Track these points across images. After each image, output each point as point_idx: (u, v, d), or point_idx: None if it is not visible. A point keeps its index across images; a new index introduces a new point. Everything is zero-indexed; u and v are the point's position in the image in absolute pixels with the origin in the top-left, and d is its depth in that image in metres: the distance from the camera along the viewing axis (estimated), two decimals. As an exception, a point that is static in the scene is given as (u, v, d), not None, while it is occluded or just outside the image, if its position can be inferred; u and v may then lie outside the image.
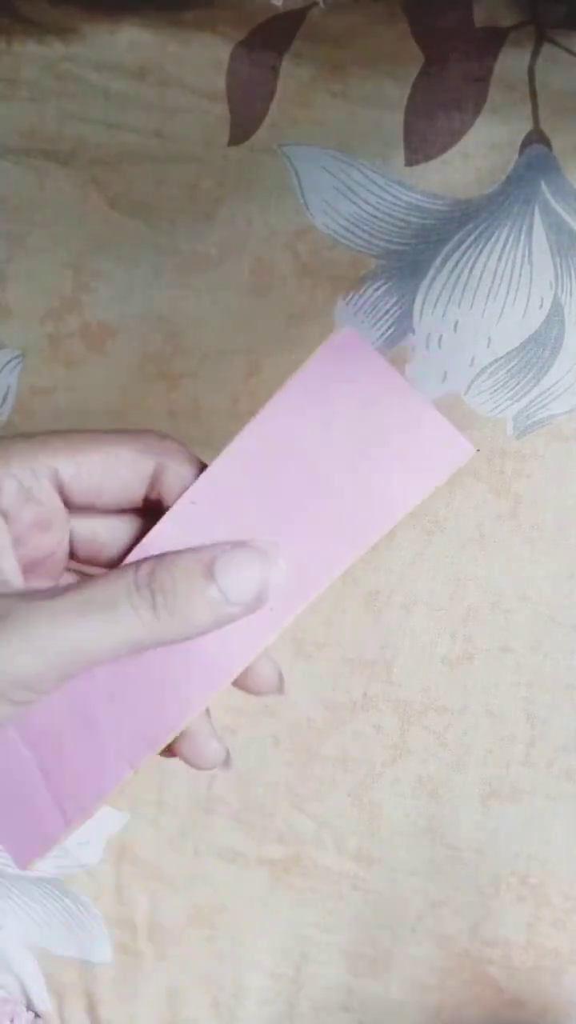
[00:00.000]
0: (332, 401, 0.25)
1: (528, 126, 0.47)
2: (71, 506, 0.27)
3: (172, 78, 0.51)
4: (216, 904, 0.50)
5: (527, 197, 0.47)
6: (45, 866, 0.52)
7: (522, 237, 0.47)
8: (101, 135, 0.52)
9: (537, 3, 0.46)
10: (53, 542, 0.27)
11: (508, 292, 0.47)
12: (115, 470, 0.26)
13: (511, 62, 0.47)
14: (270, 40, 0.49)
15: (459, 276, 0.47)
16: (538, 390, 0.47)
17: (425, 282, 0.48)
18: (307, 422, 0.25)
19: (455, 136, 0.48)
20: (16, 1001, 0.53)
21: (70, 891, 0.52)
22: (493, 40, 0.47)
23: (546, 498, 0.47)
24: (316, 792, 0.49)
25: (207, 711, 0.28)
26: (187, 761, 0.28)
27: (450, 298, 0.47)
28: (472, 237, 0.47)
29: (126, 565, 0.25)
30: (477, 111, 0.47)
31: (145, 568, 0.24)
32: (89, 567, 0.30)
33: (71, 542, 0.28)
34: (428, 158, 0.48)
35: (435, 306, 0.48)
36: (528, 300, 0.47)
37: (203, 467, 0.27)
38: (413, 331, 0.48)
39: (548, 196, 0.46)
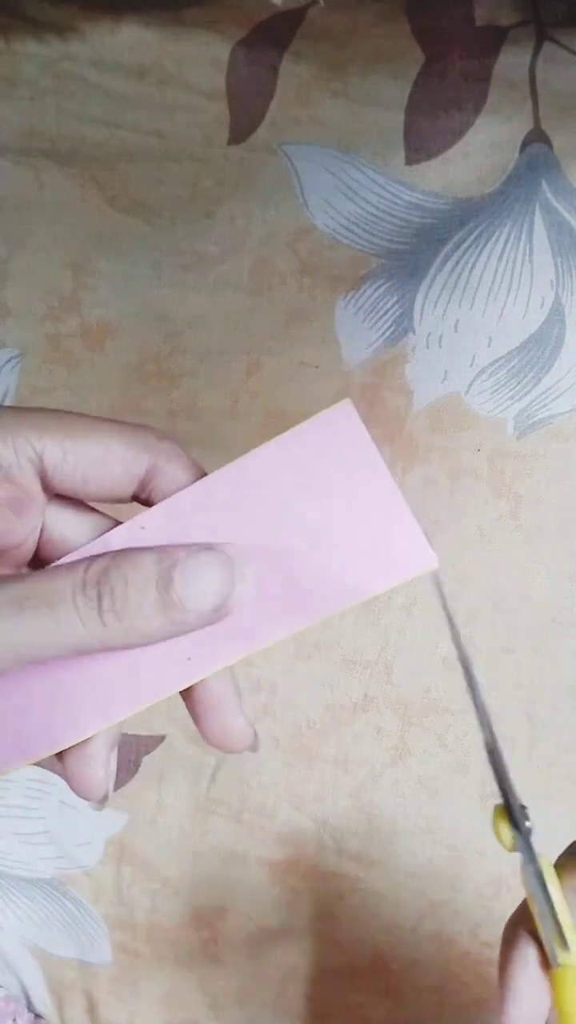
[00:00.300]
0: (315, 470, 0.24)
1: (529, 125, 0.47)
2: (48, 492, 0.25)
3: (172, 77, 0.51)
4: (216, 905, 0.50)
5: (528, 196, 0.47)
6: (45, 867, 0.52)
7: (523, 236, 0.47)
8: (100, 134, 0.51)
9: (537, 2, 0.46)
10: (24, 530, 0.25)
11: (509, 291, 0.47)
12: (105, 463, 0.24)
13: (512, 61, 0.47)
14: (270, 39, 0.49)
15: (460, 275, 0.47)
16: (539, 390, 0.47)
17: (425, 281, 0.48)
18: (285, 482, 0.24)
19: (455, 135, 0.47)
20: (17, 1001, 0.53)
21: (70, 892, 0.52)
22: (494, 39, 0.47)
23: (547, 498, 0.47)
24: (316, 793, 0.49)
25: (234, 678, 0.26)
26: (209, 740, 0.25)
27: (450, 297, 0.47)
28: (473, 236, 0.47)
29: (77, 561, 0.23)
30: (478, 110, 0.47)
31: (98, 566, 0.22)
32: None
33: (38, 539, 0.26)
34: (429, 157, 0.48)
35: (435, 305, 0.48)
36: (529, 299, 0.46)
37: (201, 474, 0.25)
38: (413, 330, 0.48)
39: (549, 195, 0.46)
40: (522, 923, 0.25)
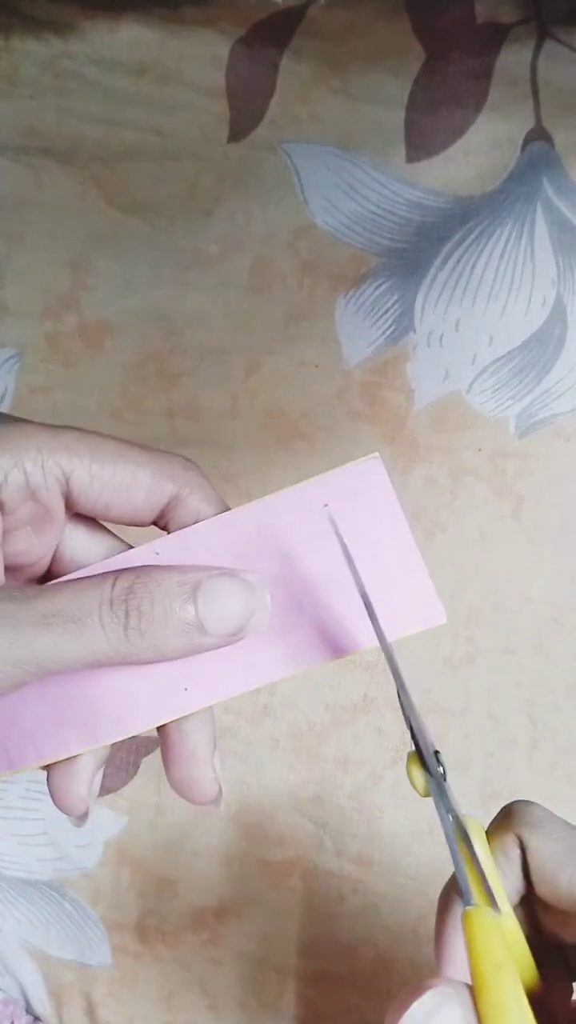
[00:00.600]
0: (337, 518, 0.24)
1: (530, 123, 0.47)
2: (69, 511, 0.25)
3: (171, 75, 0.50)
4: (215, 907, 0.50)
5: (529, 194, 0.46)
6: (44, 869, 0.52)
7: (524, 234, 0.46)
8: (100, 132, 0.51)
9: (539, 0, 0.46)
10: (42, 548, 0.25)
11: (510, 290, 0.46)
12: (130, 490, 0.24)
13: (513, 58, 0.47)
14: (270, 37, 0.49)
15: (461, 274, 0.47)
16: (540, 389, 0.46)
17: (426, 280, 0.47)
18: (306, 526, 0.24)
19: (456, 133, 0.47)
20: (16, 1003, 0.53)
21: (69, 894, 0.52)
22: (495, 36, 0.47)
23: (549, 498, 0.46)
24: (316, 794, 0.48)
25: (214, 728, 0.26)
26: (174, 787, 0.25)
27: (451, 296, 0.47)
28: (474, 235, 0.47)
29: (102, 575, 0.23)
30: (479, 108, 0.47)
31: (123, 582, 0.22)
32: None
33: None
34: (429, 155, 0.48)
35: (436, 304, 0.47)
36: (530, 298, 0.46)
37: (224, 508, 0.25)
38: (414, 329, 0.48)
39: (550, 193, 0.46)
40: (454, 889, 0.25)
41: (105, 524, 0.27)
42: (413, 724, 0.23)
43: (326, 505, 0.24)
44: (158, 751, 0.52)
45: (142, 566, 0.23)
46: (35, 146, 0.52)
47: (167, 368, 0.51)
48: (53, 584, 0.23)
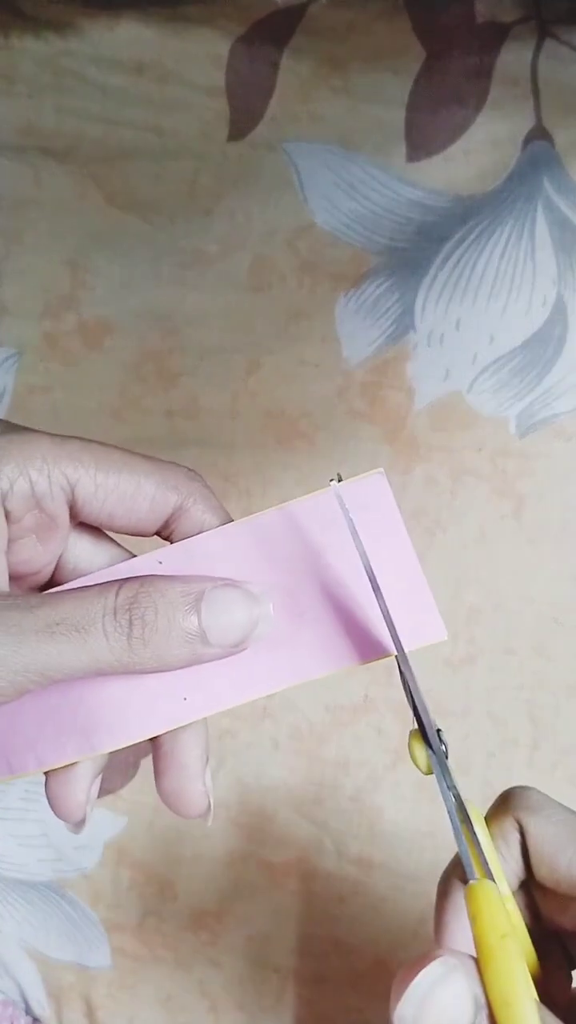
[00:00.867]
0: (341, 532, 0.24)
1: (530, 122, 0.47)
2: (73, 520, 0.25)
3: (171, 73, 0.50)
4: (215, 908, 0.50)
5: (530, 193, 0.46)
6: (43, 870, 0.52)
7: (524, 234, 0.46)
8: (99, 131, 0.51)
9: (539, -2, 0.46)
10: (46, 557, 0.25)
11: (511, 289, 0.46)
12: (135, 500, 0.24)
13: (513, 58, 0.46)
14: (270, 35, 0.49)
15: (461, 273, 0.47)
16: (541, 388, 0.46)
17: (427, 279, 0.47)
18: (310, 539, 0.25)
19: (457, 132, 0.47)
20: (16, 1005, 0.53)
21: (68, 895, 0.52)
22: (495, 36, 0.47)
23: (549, 498, 0.46)
24: (316, 795, 0.48)
25: (207, 741, 0.26)
26: (163, 798, 0.25)
27: (452, 295, 0.47)
28: (474, 234, 0.47)
29: (107, 584, 0.23)
30: (479, 107, 0.47)
31: (127, 591, 0.22)
32: None
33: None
34: (430, 154, 0.47)
35: (437, 303, 0.47)
36: (531, 297, 0.46)
37: (227, 519, 0.25)
38: (414, 328, 0.48)
39: (551, 192, 0.46)
40: (454, 873, 0.25)
41: (108, 534, 0.27)
42: (416, 702, 0.23)
43: (332, 480, 0.24)
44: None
45: (146, 575, 0.23)
46: (34, 145, 0.52)
47: (167, 368, 0.51)
48: (57, 592, 0.23)
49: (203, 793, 0.25)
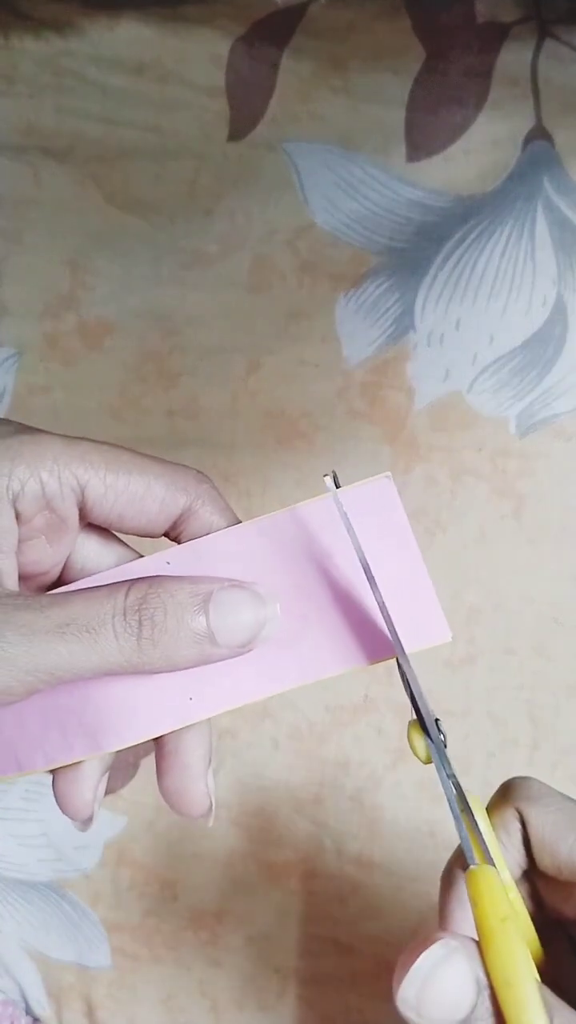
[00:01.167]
0: (347, 536, 0.25)
1: (531, 122, 0.47)
2: (82, 521, 0.25)
3: (171, 73, 0.50)
4: (215, 908, 0.50)
5: (530, 193, 0.46)
6: (43, 870, 0.52)
7: (524, 234, 0.46)
8: (99, 131, 0.51)
9: (540, -2, 0.46)
10: (55, 558, 0.25)
11: (511, 289, 0.46)
12: (144, 501, 0.24)
13: (513, 57, 0.46)
14: (270, 35, 0.49)
15: (461, 273, 0.47)
16: (541, 388, 0.46)
17: (427, 279, 0.47)
18: (316, 541, 0.25)
19: (457, 132, 0.47)
20: (16, 1005, 0.53)
21: (68, 895, 0.52)
22: (495, 35, 0.47)
23: (550, 498, 0.46)
24: (316, 795, 0.48)
25: (211, 741, 0.26)
26: (165, 797, 0.25)
27: (452, 295, 0.47)
28: (474, 234, 0.47)
29: (116, 584, 0.23)
30: (479, 107, 0.47)
31: (136, 592, 0.22)
32: None
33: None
34: (430, 154, 0.47)
35: (437, 303, 0.47)
36: (531, 297, 0.46)
37: (235, 521, 0.26)
38: (414, 328, 0.48)
39: (551, 192, 0.46)
40: (457, 863, 0.25)
41: (116, 534, 0.27)
42: (414, 692, 0.24)
43: (325, 476, 0.24)
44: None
45: (154, 576, 0.23)
46: (34, 145, 0.52)
47: (167, 367, 0.51)
48: (66, 592, 0.23)
49: (205, 793, 0.25)
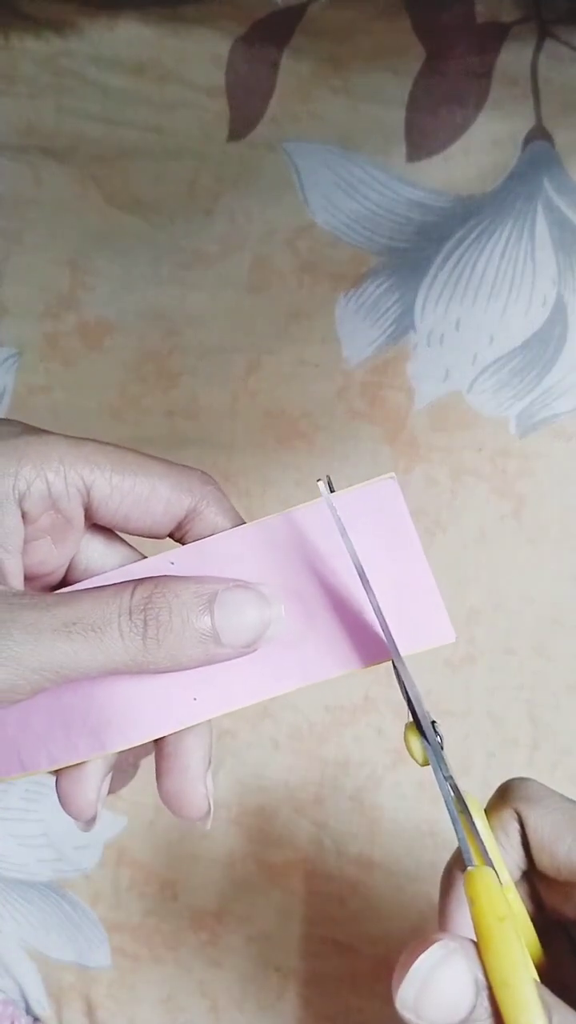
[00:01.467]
0: (352, 535, 0.25)
1: (531, 122, 0.47)
2: (87, 522, 0.25)
3: (171, 73, 0.50)
4: (215, 908, 0.50)
5: (530, 193, 0.46)
6: (43, 870, 0.52)
7: (525, 234, 0.46)
8: (99, 131, 0.51)
9: (540, -2, 0.46)
10: (60, 558, 0.26)
11: (511, 289, 0.46)
12: (149, 502, 0.24)
13: (513, 58, 0.47)
14: (270, 35, 0.49)
15: (461, 273, 0.47)
16: (541, 388, 0.46)
17: (427, 279, 0.47)
18: (321, 542, 0.25)
19: (457, 131, 0.47)
20: (16, 1004, 0.53)
21: (68, 895, 0.52)
22: (495, 35, 0.47)
23: (550, 498, 0.46)
24: (316, 795, 0.48)
25: (211, 744, 0.26)
26: (163, 799, 0.25)
27: (452, 295, 0.47)
28: (474, 234, 0.47)
29: (122, 584, 0.23)
30: (479, 107, 0.47)
31: (142, 592, 0.23)
32: None
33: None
34: (430, 154, 0.47)
35: (437, 303, 0.47)
36: (531, 297, 0.46)
37: (240, 522, 0.26)
38: (414, 328, 0.48)
39: (551, 192, 0.46)
40: (456, 865, 0.25)
41: (121, 535, 0.27)
42: (410, 694, 0.24)
43: (319, 480, 0.24)
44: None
45: (160, 576, 0.23)
46: (34, 145, 0.52)
47: (167, 367, 0.51)
48: (72, 592, 0.23)
49: (204, 796, 0.25)
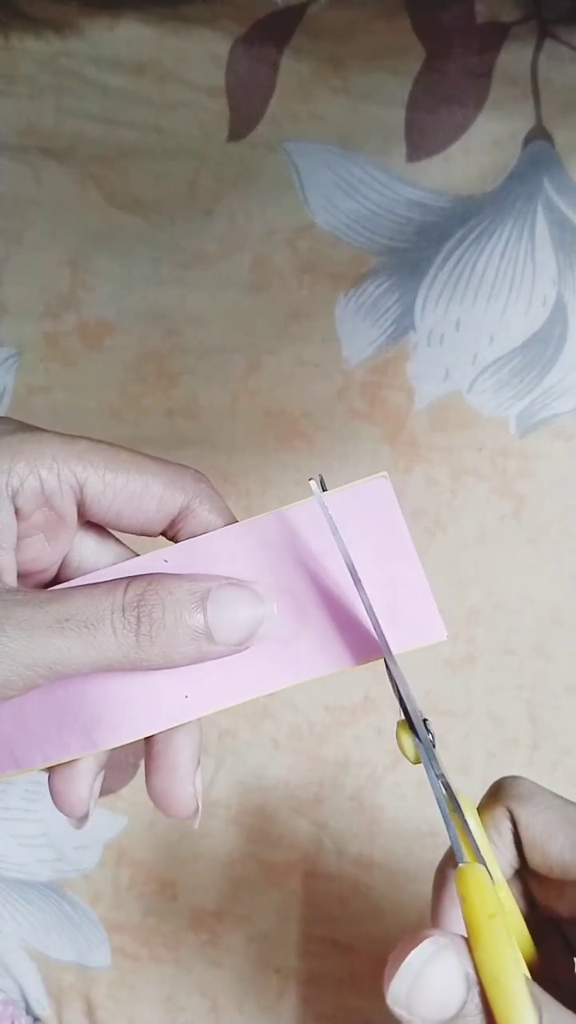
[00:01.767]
0: (344, 534, 0.25)
1: (531, 122, 0.47)
2: (80, 519, 0.25)
3: (171, 73, 0.50)
4: (215, 908, 0.50)
5: (530, 193, 0.46)
6: (43, 870, 0.52)
7: (524, 234, 0.46)
8: (99, 131, 0.51)
9: (540, -2, 0.46)
10: (53, 556, 0.26)
11: (511, 289, 0.46)
12: (142, 500, 0.24)
13: (513, 58, 0.47)
14: (270, 35, 0.49)
15: (461, 273, 0.47)
16: (541, 388, 0.46)
17: (427, 279, 0.47)
18: (313, 540, 0.25)
19: (457, 132, 0.47)
20: (16, 1004, 0.53)
21: (68, 895, 0.52)
22: (495, 35, 0.47)
23: (550, 498, 0.46)
24: (316, 795, 0.48)
25: (200, 743, 0.26)
26: (152, 797, 0.25)
27: (452, 295, 0.47)
28: (474, 234, 0.47)
29: (115, 581, 0.23)
30: (479, 106, 0.47)
31: (135, 589, 0.23)
32: None
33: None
34: (430, 154, 0.47)
35: (437, 303, 0.47)
36: (531, 297, 0.46)
37: (233, 520, 0.26)
38: (414, 328, 0.48)
39: (551, 192, 0.46)
40: (448, 864, 0.25)
41: (113, 533, 0.27)
42: (402, 692, 0.24)
43: (311, 479, 0.25)
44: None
45: (153, 573, 0.23)
46: (34, 144, 0.52)
47: (167, 367, 0.51)
48: (65, 588, 0.23)
49: (192, 795, 0.25)
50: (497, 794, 0.26)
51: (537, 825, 0.25)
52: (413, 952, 0.19)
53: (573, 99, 0.46)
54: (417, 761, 0.24)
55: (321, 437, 0.49)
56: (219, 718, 0.47)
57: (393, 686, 0.24)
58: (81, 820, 0.26)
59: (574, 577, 0.46)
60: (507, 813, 0.25)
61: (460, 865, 0.21)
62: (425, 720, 0.24)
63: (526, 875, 0.26)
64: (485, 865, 0.21)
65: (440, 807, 0.23)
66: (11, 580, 0.24)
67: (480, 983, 0.19)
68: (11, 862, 0.52)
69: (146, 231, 0.51)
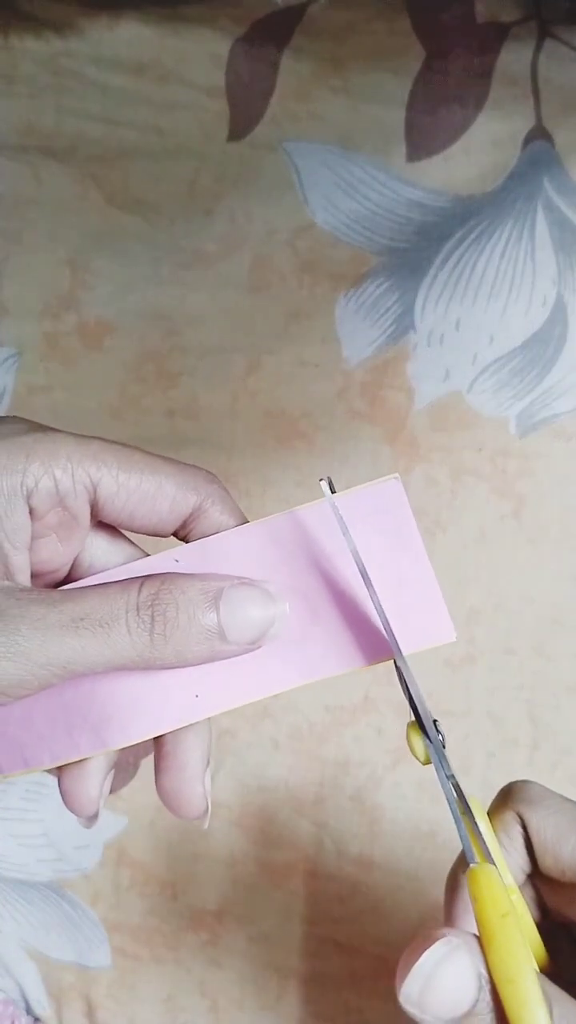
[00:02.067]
0: (355, 535, 0.24)
1: (531, 122, 0.47)
2: (92, 519, 0.25)
3: (171, 73, 0.50)
4: (215, 908, 0.50)
5: (530, 193, 0.46)
6: (43, 870, 0.52)
7: (524, 234, 0.46)
8: (99, 131, 0.51)
9: (540, -2, 0.46)
10: (65, 556, 0.26)
11: (511, 289, 0.46)
12: (155, 500, 0.24)
13: (513, 58, 0.47)
14: (270, 35, 0.49)
15: (461, 273, 0.47)
16: (541, 388, 0.46)
17: (427, 279, 0.47)
18: (324, 541, 0.25)
19: (457, 132, 0.47)
20: (17, 1004, 0.53)
21: (68, 895, 0.52)
22: (495, 35, 0.47)
23: (550, 498, 0.46)
24: (316, 795, 0.48)
25: (210, 743, 0.27)
26: (161, 797, 0.25)
27: (452, 295, 0.47)
28: (474, 234, 0.47)
29: (128, 581, 0.23)
30: (479, 107, 0.47)
31: (149, 588, 0.23)
32: None
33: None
34: (430, 154, 0.48)
35: (437, 303, 0.47)
36: (531, 297, 0.46)
37: (244, 521, 0.26)
38: (414, 328, 0.48)
39: (551, 192, 0.46)
40: (460, 866, 0.25)
41: (125, 533, 0.27)
42: (412, 693, 0.24)
43: (321, 480, 0.25)
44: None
45: (166, 573, 0.24)
46: (34, 144, 0.52)
47: (166, 367, 0.51)
48: (80, 588, 0.23)
49: (202, 795, 0.25)
50: (507, 798, 0.26)
51: (548, 829, 0.25)
52: (427, 952, 0.19)
53: (573, 99, 0.46)
54: (427, 762, 0.24)
55: (321, 437, 0.49)
56: (219, 718, 0.47)
57: (403, 687, 0.24)
58: (91, 819, 0.26)
59: (574, 577, 0.46)
60: (517, 817, 0.25)
61: (472, 866, 0.21)
62: (435, 721, 0.24)
63: (537, 880, 0.26)
64: (494, 864, 0.21)
65: (451, 809, 0.23)
66: (25, 580, 0.24)
67: (492, 981, 0.19)
68: (11, 862, 0.52)
69: (146, 231, 0.51)
